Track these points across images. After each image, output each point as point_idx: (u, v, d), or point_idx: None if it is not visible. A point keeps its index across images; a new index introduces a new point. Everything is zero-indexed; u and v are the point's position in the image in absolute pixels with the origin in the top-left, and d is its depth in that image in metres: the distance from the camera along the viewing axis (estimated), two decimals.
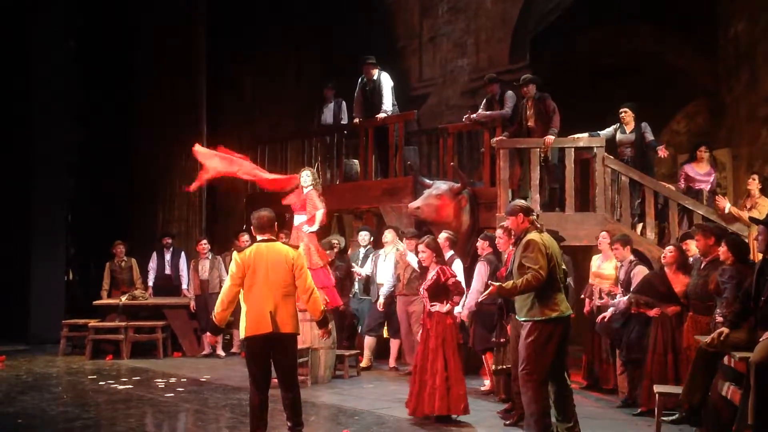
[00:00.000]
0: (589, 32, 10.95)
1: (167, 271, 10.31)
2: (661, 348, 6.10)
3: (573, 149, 8.05)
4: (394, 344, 8.65)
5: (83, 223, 12.35)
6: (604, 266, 7.25)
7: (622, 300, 6.51)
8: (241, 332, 4.97)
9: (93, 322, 9.52)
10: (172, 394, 7.09)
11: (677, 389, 5.43)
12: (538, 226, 5.21)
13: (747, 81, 9.41)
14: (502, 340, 6.16)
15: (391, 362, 8.63)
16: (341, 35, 12.56)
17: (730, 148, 9.75)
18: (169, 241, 10.46)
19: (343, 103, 10.45)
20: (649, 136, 8.18)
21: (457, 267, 7.19)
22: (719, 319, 5.32)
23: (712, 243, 5.87)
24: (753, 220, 5.86)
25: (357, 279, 8.83)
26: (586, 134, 8.21)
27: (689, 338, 5.86)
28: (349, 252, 9.20)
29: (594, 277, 7.34)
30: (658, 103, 10.21)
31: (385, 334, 8.90)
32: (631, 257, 6.83)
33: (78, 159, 12.35)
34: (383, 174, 9.82)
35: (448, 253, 7.10)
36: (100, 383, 7.65)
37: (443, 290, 6.09)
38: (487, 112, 8.74)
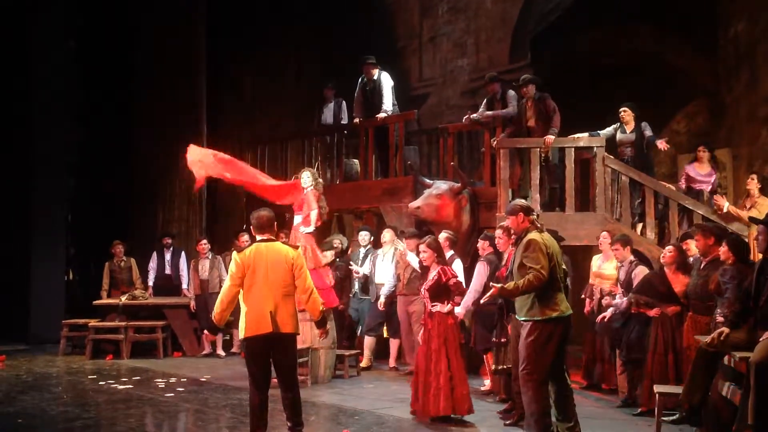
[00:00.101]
0: (589, 32, 10.95)
1: (167, 270, 10.32)
2: (661, 348, 6.10)
3: (573, 149, 8.05)
4: (393, 344, 8.66)
5: (83, 223, 12.36)
6: (605, 266, 7.25)
7: (622, 300, 6.52)
8: (241, 332, 4.97)
9: (93, 322, 9.52)
10: (172, 394, 7.09)
11: (677, 389, 5.43)
12: (539, 225, 5.21)
13: (747, 81, 9.41)
14: (503, 340, 6.16)
15: (391, 362, 8.63)
16: (341, 35, 12.56)
17: (730, 148, 9.74)
18: (169, 241, 10.46)
19: (343, 102, 10.46)
20: (649, 133, 8.18)
21: (457, 267, 7.19)
22: (720, 319, 5.33)
23: (711, 243, 5.88)
24: (753, 219, 5.86)
25: (356, 278, 8.82)
26: (586, 134, 8.21)
27: (689, 338, 5.86)
28: (349, 252, 9.20)
29: (594, 277, 7.34)
30: (658, 103, 10.21)
31: (385, 334, 8.90)
32: (632, 257, 6.83)
33: (78, 159, 12.35)
34: (383, 174, 9.83)
35: (448, 253, 7.11)
36: (100, 383, 7.65)
37: (444, 290, 6.09)
38: (491, 112, 8.73)
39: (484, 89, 9.32)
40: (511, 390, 6.02)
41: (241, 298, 4.96)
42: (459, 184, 8.51)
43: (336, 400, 6.83)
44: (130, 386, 7.49)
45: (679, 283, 6.13)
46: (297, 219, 7.92)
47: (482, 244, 7.14)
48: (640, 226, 8.04)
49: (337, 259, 8.84)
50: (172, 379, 7.85)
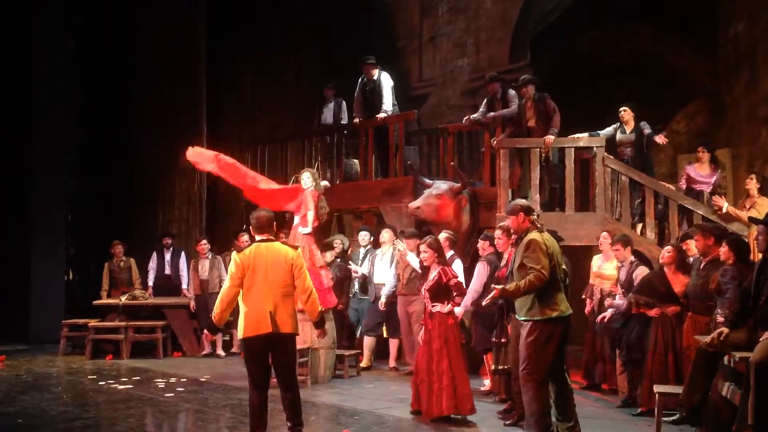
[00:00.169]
0: (589, 32, 10.95)
1: (167, 271, 10.32)
2: (661, 348, 6.10)
3: (573, 149, 8.05)
4: (393, 344, 8.66)
5: (83, 223, 12.35)
6: (605, 266, 7.25)
7: (623, 301, 6.52)
8: (240, 332, 4.96)
9: (93, 322, 9.52)
10: (172, 394, 7.09)
11: (677, 389, 5.44)
12: (539, 225, 5.20)
13: (747, 81, 9.42)
14: (503, 340, 6.15)
15: (391, 362, 8.63)
16: (341, 35, 12.56)
17: (730, 148, 9.75)
18: (169, 241, 10.46)
19: (343, 102, 10.46)
20: (648, 131, 8.18)
21: (457, 267, 7.19)
22: (720, 319, 5.32)
23: (711, 243, 5.88)
24: (752, 219, 5.86)
25: (355, 279, 8.82)
26: (586, 134, 8.22)
27: (689, 338, 5.86)
28: (349, 252, 9.20)
29: (595, 277, 7.34)
30: (658, 103, 10.21)
31: (384, 334, 8.90)
32: (632, 258, 6.83)
33: (78, 159, 12.35)
34: (383, 174, 9.83)
35: (449, 253, 7.10)
36: (100, 383, 7.65)
37: (445, 291, 6.09)
38: (494, 113, 8.71)
39: (485, 89, 9.32)
40: (511, 390, 6.01)
41: (241, 298, 4.96)
42: (459, 184, 8.51)
43: (336, 400, 6.83)
44: (130, 386, 7.49)
45: (678, 283, 6.13)
46: (296, 219, 7.92)
47: (482, 244, 7.14)
48: (639, 226, 8.04)
49: (338, 260, 8.84)
50: (172, 379, 7.85)
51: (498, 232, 6.47)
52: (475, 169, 9.70)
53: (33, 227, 11.21)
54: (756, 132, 9.14)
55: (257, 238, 5.11)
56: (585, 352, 7.48)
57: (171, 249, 10.40)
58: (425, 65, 12.72)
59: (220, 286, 6.39)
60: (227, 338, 9.95)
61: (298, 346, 7.12)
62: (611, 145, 8.19)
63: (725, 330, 4.91)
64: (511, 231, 5.58)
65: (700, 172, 8.19)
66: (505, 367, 6.15)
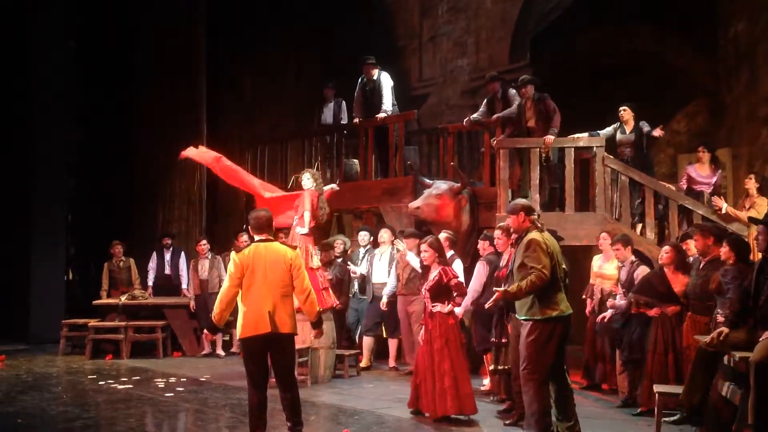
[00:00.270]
0: (589, 32, 10.95)
1: (167, 270, 10.32)
2: (661, 348, 6.10)
3: (573, 149, 8.05)
4: (392, 344, 8.66)
5: (83, 223, 12.35)
6: (606, 266, 7.24)
7: (623, 301, 6.52)
8: (239, 332, 4.96)
9: (93, 322, 9.52)
10: (172, 394, 7.08)
11: (677, 389, 5.43)
12: (539, 225, 5.20)
13: (747, 81, 9.42)
14: (504, 340, 6.15)
15: (391, 362, 8.63)
16: (341, 35, 12.56)
17: (730, 147, 9.75)
18: (169, 241, 10.47)
19: (343, 102, 10.46)
20: (647, 129, 8.18)
21: (458, 267, 7.19)
22: (720, 318, 5.32)
23: (711, 243, 5.88)
24: (752, 219, 5.86)
25: (354, 279, 8.82)
26: (586, 134, 8.21)
27: (689, 338, 5.86)
28: (349, 252, 9.20)
29: (596, 277, 7.33)
30: (658, 103, 10.21)
31: (384, 334, 8.89)
32: (633, 258, 6.82)
33: (78, 159, 12.35)
34: (383, 174, 9.83)
35: (449, 253, 7.10)
36: (100, 383, 7.65)
37: (445, 291, 6.09)
38: (497, 115, 8.71)
39: (485, 89, 9.32)
40: (510, 390, 6.01)
41: (240, 298, 4.96)
42: (459, 184, 8.51)
43: (336, 400, 6.83)
44: (130, 386, 7.48)
45: (678, 282, 6.13)
46: (295, 219, 7.92)
47: (482, 244, 7.14)
48: (639, 226, 8.04)
49: (339, 260, 8.84)
50: (172, 379, 7.85)
51: (498, 232, 6.47)
52: (475, 169, 9.70)
53: (33, 227, 11.21)
54: (756, 132, 9.14)
55: (256, 238, 5.11)
56: (585, 352, 7.48)
57: (171, 249, 10.41)
58: (425, 65, 12.72)
59: (220, 286, 6.38)
60: (227, 338, 9.95)
61: (298, 346, 7.14)
62: (611, 145, 8.19)
63: (725, 330, 4.91)
64: (511, 230, 5.57)
65: (701, 172, 8.18)
66: (506, 367, 6.15)
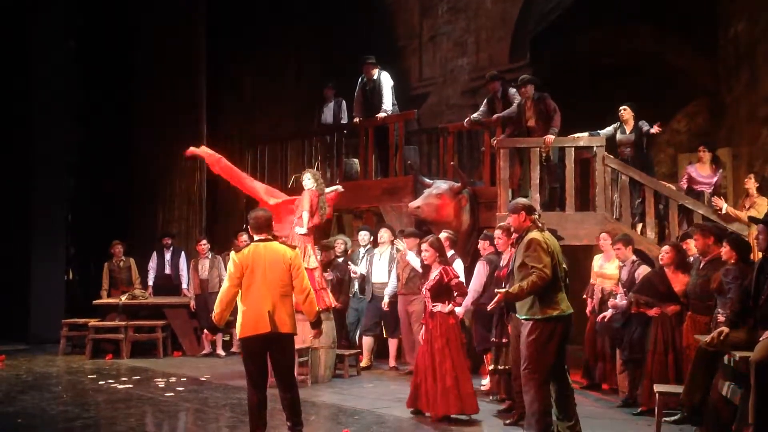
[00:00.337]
0: (589, 32, 10.95)
1: (167, 270, 10.32)
2: (661, 347, 6.10)
3: (573, 148, 8.05)
4: (392, 344, 8.66)
5: (83, 223, 12.35)
6: (607, 266, 7.24)
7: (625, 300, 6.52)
8: (238, 332, 4.96)
9: (93, 322, 9.52)
10: (172, 394, 7.08)
11: (677, 389, 5.43)
12: (540, 225, 5.20)
13: (747, 81, 9.42)
14: (504, 340, 6.15)
15: (391, 362, 8.63)
16: (341, 35, 12.57)
17: (730, 147, 9.75)
18: (169, 241, 10.47)
19: (343, 102, 10.46)
20: (646, 128, 8.18)
21: (458, 266, 7.18)
22: (721, 318, 5.32)
23: (711, 242, 5.88)
24: (752, 219, 5.87)
25: (354, 278, 8.82)
26: (586, 134, 8.22)
27: (689, 338, 5.86)
28: (349, 252, 9.20)
29: (597, 276, 7.34)
30: (658, 103, 10.21)
31: (384, 334, 8.89)
32: (634, 257, 6.82)
33: (78, 159, 12.34)
34: (383, 173, 9.83)
35: (449, 253, 7.09)
36: (100, 383, 7.65)
37: (446, 291, 6.08)
38: (497, 115, 8.72)
39: (485, 88, 9.32)
40: (511, 390, 6.01)
41: (239, 298, 4.95)
42: (459, 184, 8.51)
43: (336, 400, 6.83)
44: (130, 386, 7.48)
45: (678, 282, 6.13)
46: (295, 219, 7.91)
47: (482, 244, 7.14)
48: (640, 226, 8.04)
49: (339, 259, 8.85)
50: (172, 379, 7.85)
51: (498, 232, 6.47)
52: (475, 168, 9.70)
53: (33, 227, 11.21)
54: (756, 132, 9.14)
55: (255, 238, 5.11)
56: (585, 352, 7.48)
57: (171, 249, 10.41)
58: (425, 65, 12.73)
59: (220, 286, 6.37)
60: (227, 338, 9.95)
61: (299, 346, 7.14)
62: (611, 144, 8.19)
63: (725, 329, 4.91)
64: (512, 230, 5.56)
65: (701, 172, 8.18)
66: (506, 367, 6.15)
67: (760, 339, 4.55)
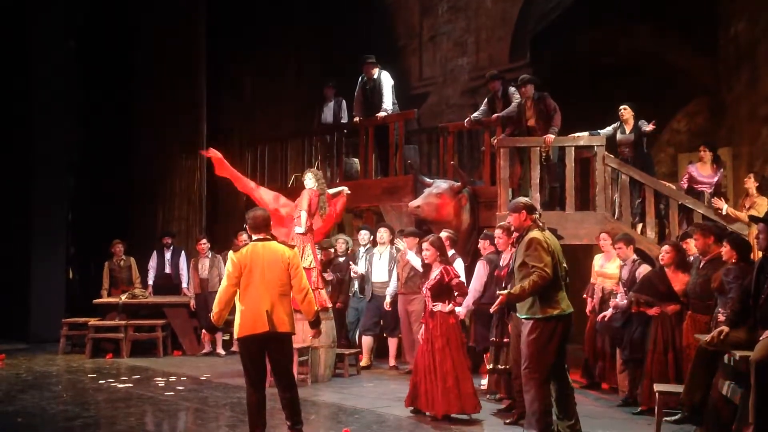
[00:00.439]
0: (589, 32, 10.95)
1: (167, 269, 10.32)
2: (660, 347, 6.10)
3: (573, 148, 8.05)
4: (392, 343, 8.65)
5: (83, 223, 12.35)
6: (608, 266, 7.24)
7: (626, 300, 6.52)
8: (236, 331, 4.95)
9: (93, 321, 9.52)
10: (172, 393, 7.08)
11: (677, 388, 5.43)
12: (540, 224, 5.20)
13: (747, 80, 9.42)
14: (505, 340, 6.14)
15: (391, 361, 8.63)
16: (341, 35, 12.57)
17: (730, 147, 9.74)
18: (170, 240, 10.47)
19: (343, 102, 10.46)
20: (644, 127, 8.18)
21: (459, 266, 7.18)
22: (721, 318, 5.31)
23: (711, 242, 5.87)
24: (753, 218, 5.86)
25: (354, 278, 8.81)
26: (586, 133, 8.21)
27: (689, 337, 5.85)
28: (349, 251, 9.19)
29: (597, 276, 7.33)
30: (658, 103, 10.20)
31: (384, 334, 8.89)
32: (634, 256, 6.82)
33: (78, 159, 12.34)
34: (383, 173, 9.83)
35: (449, 252, 7.09)
36: (100, 382, 7.65)
37: (446, 290, 6.08)
38: (497, 114, 8.72)
39: (485, 87, 9.32)
40: (511, 389, 6.01)
41: (237, 298, 4.95)
42: (459, 183, 8.51)
43: (336, 399, 6.83)
44: (130, 385, 7.48)
45: (678, 281, 6.13)
46: (295, 219, 7.91)
47: (483, 244, 7.14)
48: (640, 225, 8.04)
49: (341, 259, 8.84)
50: (172, 378, 7.85)
51: (498, 231, 6.47)
52: (475, 168, 9.70)
53: (33, 227, 11.22)
54: (756, 131, 9.14)
55: (254, 237, 5.10)
56: (585, 351, 7.48)
57: (171, 248, 10.41)
58: (425, 64, 12.74)
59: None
60: (227, 337, 9.94)
61: (299, 345, 7.15)
62: (611, 144, 8.19)
63: (725, 329, 4.90)
64: (512, 229, 5.56)
65: (702, 172, 8.16)
66: (506, 366, 6.15)
67: (760, 338, 4.55)
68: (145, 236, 11.24)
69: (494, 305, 5.38)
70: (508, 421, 5.86)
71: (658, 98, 10.38)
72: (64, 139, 11.74)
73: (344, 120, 10.38)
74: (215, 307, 4.99)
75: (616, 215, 8.02)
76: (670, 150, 10.67)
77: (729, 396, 4.91)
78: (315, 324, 5.22)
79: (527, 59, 11.18)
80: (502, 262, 6.47)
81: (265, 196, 8.11)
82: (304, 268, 7.32)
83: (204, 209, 11.97)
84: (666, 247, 6.29)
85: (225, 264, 8.88)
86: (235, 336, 5.00)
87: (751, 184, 7.68)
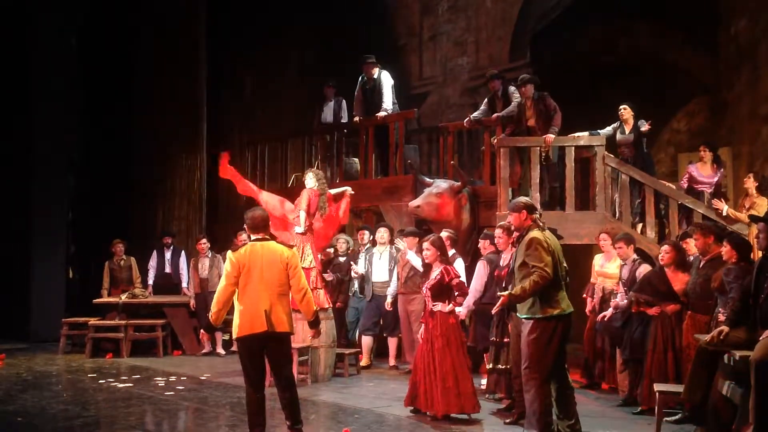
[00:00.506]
0: (590, 31, 10.96)
1: (167, 269, 10.32)
2: (660, 346, 6.09)
3: (573, 148, 8.04)
4: (392, 343, 8.65)
5: (83, 222, 12.36)
6: (608, 265, 7.24)
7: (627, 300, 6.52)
8: (235, 331, 4.94)
9: (93, 321, 9.52)
10: (172, 393, 7.08)
11: (677, 388, 5.43)
12: (541, 224, 5.19)
13: (748, 79, 9.42)
14: (506, 339, 6.14)
15: (391, 361, 8.63)
16: (341, 35, 12.56)
17: (730, 146, 9.75)
18: (170, 240, 10.47)
19: (344, 101, 10.45)
20: (642, 127, 8.18)
21: (459, 266, 7.17)
22: (722, 318, 5.31)
23: (711, 241, 5.87)
24: (753, 217, 5.85)
25: (354, 278, 8.81)
26: (586, 133, 8.21)
27: (689, 337, 5.85)
28: (350, 251, 9.19)
29: (598, 276, 7.33)
30: (658, 103, 10.22)
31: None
32: (635, 256, 6.82)
33: (78, 158, 12.35)
34: (383, 172, 9.83)
35: (450, 252, 7.08)
36: (100, 381, 7.65)
37: (446, 290, 6.08)
38: (497, 114, 8.72)
39: (485, 87, 9.32)
40: (511, 389, 6.01)
41: (236, 297, 4.94)
42: (459, 183, 8.50)
43: (336, 399, 6.83)
44: (130, 384, 7.48)
45: (678, 281, 6.13)
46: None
47: (483, 243, 7.13)
48: (640, 225, 8.04)
49: (342, 259, 8.83)
50: (172, 378, 7.85)
51: (498, 231, 6.47)
52: (475, 167, 9.70)
53: (33, 227, 11.22)
54: (756, 131, 9.14)
55: (252, 237, 5.10)
56: (585, 351, 7.48)
57: (171, 248, 10.41)
58: (425, 64, 12.74)
59: None
60: (227, 337, 9.93)
61: (299, 345, 7.16)
62: (611, 144, 8.19)
63: (725, 328, 4.90)
64: (513, 228, 5.55)
65: (702, 172, 8.16)
66: (507, 366, 6.14)
67: (760, 338, 4.55)
68: (145, 236, 11.24)
69: (496, 307, 5.38)
70: (508, 420, 5.86)
71: (658, 98, 10.39)
72: (64, 139, 11.74)
73: (344, 120, 10.38)
74: (213, 307, 5.00)
75: (616, 215, 8.02)
76: (670, 149, 10.69)
77: (729, 396, 4.91)
78: (314, 324, 5.22)
79: (527, 59, 11.19)
80: (503, 262, 6.47)
81: (270, 201, 8.05)
82: (304, 267, 7.38)
83: (204, 209, 11.96)
84: (665, 247, 6.29)
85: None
86: (234, 336, 5.00)
87: (750, 183, 7.67)
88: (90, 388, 7.33)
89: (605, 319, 6.80)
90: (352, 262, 8.84)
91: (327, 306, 7.78)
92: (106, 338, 9.48)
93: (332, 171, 10.33)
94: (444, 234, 7.17)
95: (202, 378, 7.90)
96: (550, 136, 8.02)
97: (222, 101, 13.06)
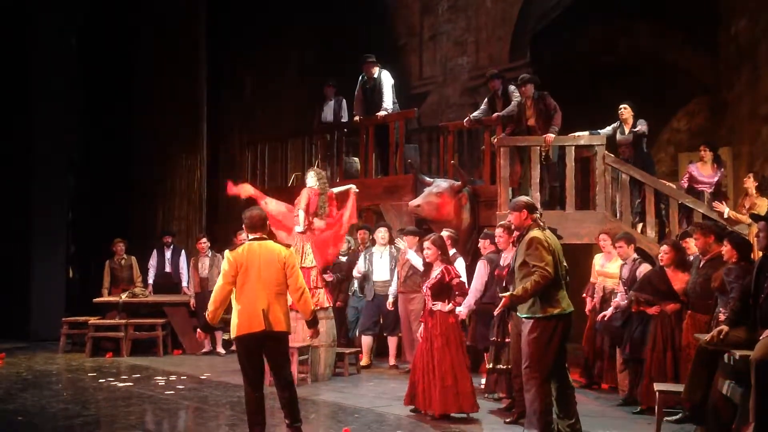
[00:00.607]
0: (590, 31, 10.97)
1: (167, 268, 10.32)
2: (660, 346, 6.10)
3: (573, 147, 8.05)
4: (392, 342, 8.65)
5: (83, 222, 12.36)
6: (609, 265, 7.24)
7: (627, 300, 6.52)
8: (233, 330, 4.94)
9: (93, 320, 9.52)
10: (172, 392, 7.08)
11: (677, 387, 5.43)
12: (541, 223, 5.19)
13: (748, 79, 9.42)
14: (507, 340, 6.14)
15: (391, 360, 8.63)
16: (341, 35, 12.57)
17: (730, 146, 9.75)
18: (170, 239, 10.47)
19: (344, 100, 10.46)
20: (643, 128, 8.18)
21: (460, 265, 7.17)
22: (722, 317, 5.31)
23: (711, 241, 5.87)
24: (753, 216, 5.85)
25: (354, 277, 8.81)
26: (586, 133, 8.22)
27: (688, 336, 5.85)
28: (350, 251, 9.19)
29: (598, 275, 7.33)
30: (658, 103, 10.22)
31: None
32: (635, 255, 6.82)
33: (78, 158, 12.35)
34: (383, 172, 9.83)
35: (450, 251, 7.08)
36: (100, 381, 7.65)
37: (446, 289, 6.08)
38: (497, 114, 8.72)
39: (485, 86, 9.33)
40: (511, 388, 6.01)
41: (234, 297, 4.95)
42: (459, 183, 8.51)
43: (336, 398, 6.83)
44: (130, 384, 7.48)
45: (678, 281, 6.13)
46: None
47: (483, 243, 7.13)
48: (640, 225, 8.04)
49: (344, 258, 8.82)
50: (172, 377, 7.85)
51: (499, 230, 6.47)
52: (475, 167, 9.70)
53: (33, 227, 11.22)
54: (757, 130, 9.14)
55: (250, 236, 5.10)
56: (585, 351, 7.47)
57: (171, 247, 10.41)
58: (425, 63, 12.74)
59: None
60: (227, 336, 9.92)
61: (299, 345, 7.15)
62: (611, 144, 8.19)
63: (725, 328, 4.90)
64: (513, 228, 5.55)
65: (703, 172, 8.16)
66: (507, 366, 6.14)
67: (761, 338, 4.54)
68: (145, 236, 11.24)
69: (498, 308, 5.38)
70: (508, 420, 5.86)
71: (658, 98, 10.39)
72: (64, 139, 11.74)
73: (344, 119, 10.38)
74: (210, 306, 5.00)
75: (616, 215, 8.02)
76: (670, 149, 10.69)
77: (729, 395, 4.91)
78: (312, 324, 5.22)
79: (527, 59, 11.19)
80: (503, 262, 6.47)
81: (279, 209, 7.98)
82: (304, 267, 7.39)
83: (204, 209, 11.97)
84: (664, 248, 6.28)
85: None
86: (232, 335, 4.99)
87: (750, 183, 7.67)
88: (90, 388, 7.33)
89: (605, 318, 6.80)
90: (354, 262, 8.80)
91: (327, 305, 7.78)
92: (107, 337, 9.49)
93: (332, 170, 10.33)
94: (445, 233, 7.17)
95: (202, 377, 7.90)
96: (550, 136, 8.03)
97: (222, 101, 13.06)
